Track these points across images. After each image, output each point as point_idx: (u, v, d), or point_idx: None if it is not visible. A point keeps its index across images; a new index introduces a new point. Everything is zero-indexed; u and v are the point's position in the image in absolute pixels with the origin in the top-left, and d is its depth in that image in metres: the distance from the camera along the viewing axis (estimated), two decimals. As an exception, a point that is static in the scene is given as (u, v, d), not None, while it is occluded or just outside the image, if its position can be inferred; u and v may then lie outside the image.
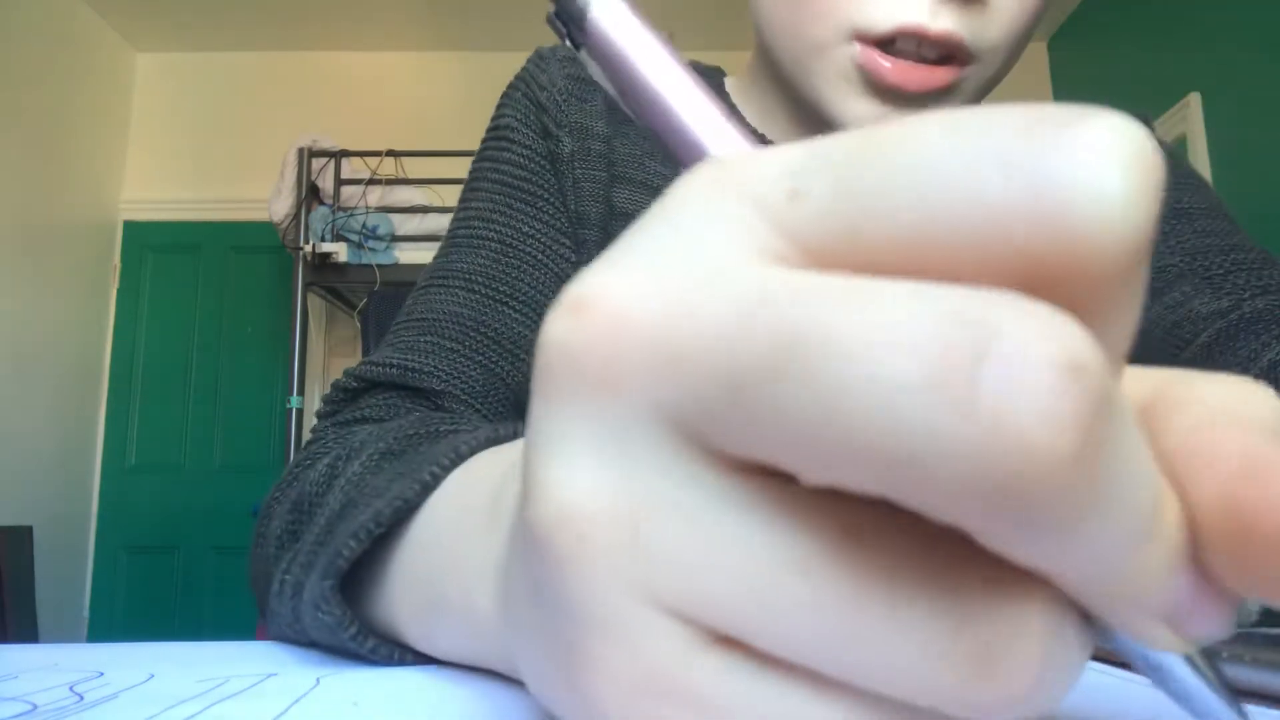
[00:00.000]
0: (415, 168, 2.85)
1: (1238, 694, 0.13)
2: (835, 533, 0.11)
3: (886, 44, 0.42)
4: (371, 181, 2.74)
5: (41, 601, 2.31)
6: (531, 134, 0.51)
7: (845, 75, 0.43)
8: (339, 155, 2.76)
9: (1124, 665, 0.24)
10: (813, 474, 0.10)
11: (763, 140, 0.48)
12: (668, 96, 0.15)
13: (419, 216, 2.74)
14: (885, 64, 0.42)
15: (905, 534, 0.11)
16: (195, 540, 3.31)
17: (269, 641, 0.31)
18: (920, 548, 0.11)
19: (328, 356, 3.41)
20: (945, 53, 0.42)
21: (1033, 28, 0.44)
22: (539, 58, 0.53)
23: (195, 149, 3.54)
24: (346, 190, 2.73)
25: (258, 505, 0.40)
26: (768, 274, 0.11)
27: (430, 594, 0.23)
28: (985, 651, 0.10)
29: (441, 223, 2.72)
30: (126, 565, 3.30)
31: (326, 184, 2.74)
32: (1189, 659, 0.12)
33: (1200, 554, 0.11)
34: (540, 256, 0.49)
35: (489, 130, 0.53)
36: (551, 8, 0.15)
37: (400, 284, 2.63)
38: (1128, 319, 0.11)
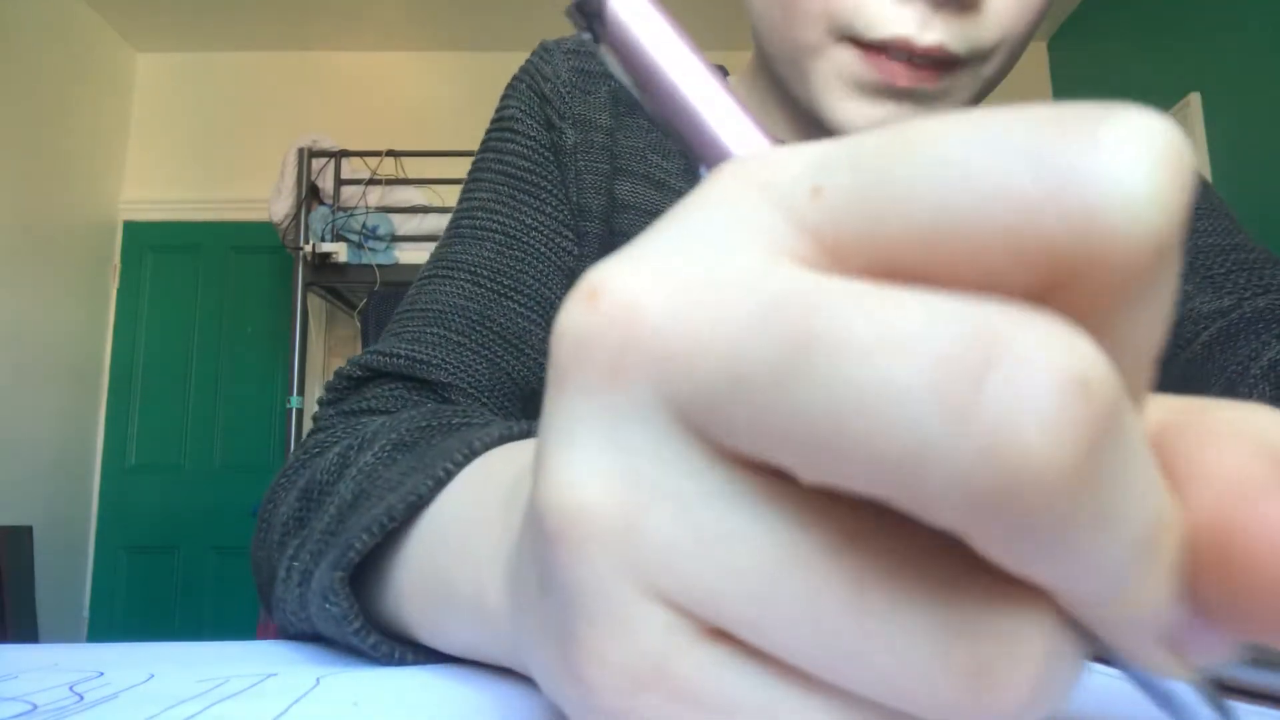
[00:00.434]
0: (415, 168, 2.85)
1: (1239, 694, 0.13)
2: (836, 533, 0.11)
3: (878, 49, 0.42)
4: (371, 181, 2.74)
5: (41, 601, 2.31)
6: (535, 125, 0.51)
7: (838, 76, 0.43)
8: (339, 155, 2.76)
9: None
10: (814, 474, 0.10)
11: (780, 143, 0.48)
12: (688, 92, 0.14)
13: (419, 216, 2.74)
14: (875, 63, 0.41)
15: (906, 540, 0.10)
16: (195, 540, 3.31)
17: (269, 641, 0.31)
18: (921, 555, 0.10)
19: (328, 356, 3.41)
20: (936, 62, 0.42)
21: (1033, 30, 0.44)
22: (544, 50, 0.54)
23: (195, 149, 3.54)
24: (346, 190, 2.73)
25: (258, 505, 0.40)
26: (784, 274, 0.11)
27: (440, 589, 0.23)
28: (981, 664, 0.10)
29: (442, 223, 2.72)
30: (126, 565, 3.30)
31: (326, 184, 2.74)
32: (1196, 688, 0.12)
33: (1194, 579, 0.11)
34: (543, 249, 0.49)
35: (493, 121, 0.53)
36: (571, 0, 0.15)
37: (400, 284, 2.63)
38: (1154, 321, 0.10)
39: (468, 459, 0.26)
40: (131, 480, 3.35)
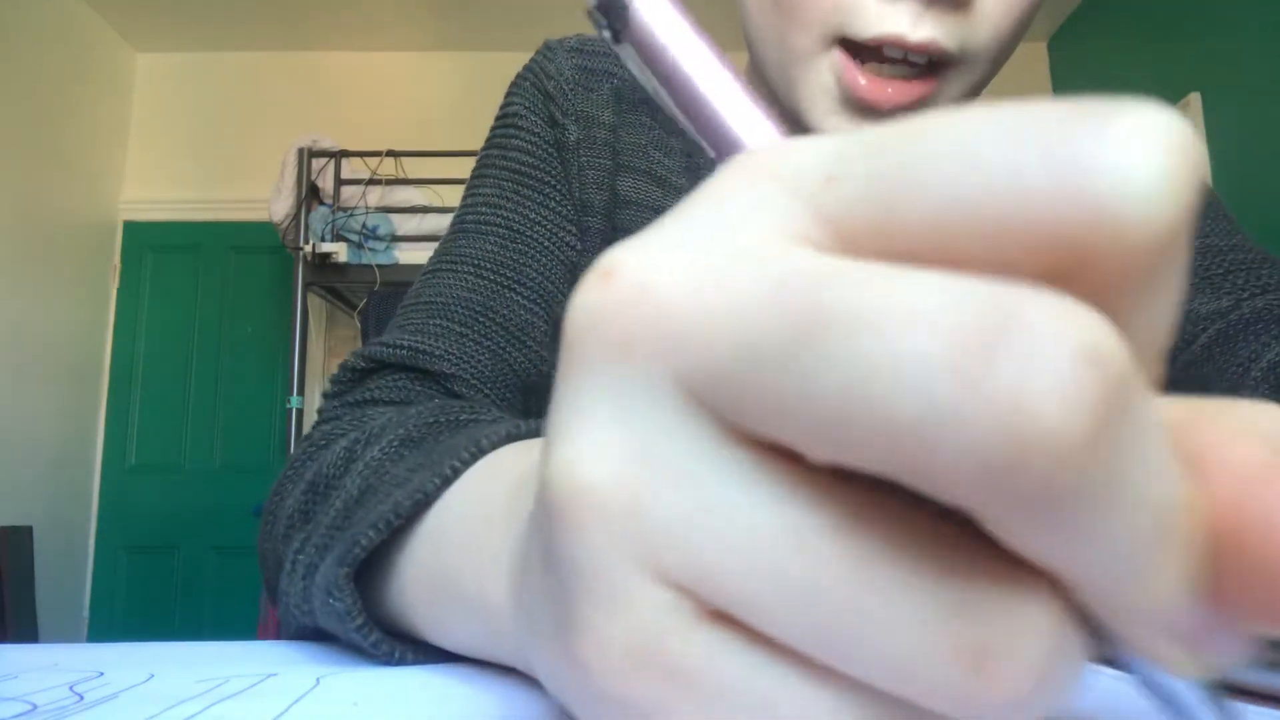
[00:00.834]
0: (415, 168, 2.85)
1: (1241, 695, 0.13)
2: (841, 513, 0.11)
3: (871, 52, 0.42)
4: (371, 181, 2.74)
5: (41, 601, 2.31)
6: (539, 122, 0.52)
7: (824, 88, 0.43)
8: (339, 155, 2.76)
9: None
10: (824, 452, 0.10)
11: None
12: (708, 89, 0.15)
13: (419, 216, 2.74)
14: (861, 80, 0.41)
15: (912, 522, 0.10)
16: (195, 540, 3.31)
17: (269, 641, 0.31)
18: (927, 537, 0.10)
19: (328, 356, 3.41)
20: (929, 59, 0.42)
21: (1022, 30, 0.44)
22: (547, 49, 0.54)
23: (195, 149, 3.54)
24: (346, 190, 2.73)
25: (258, 505, 0.40)
26: (796, 254, 0.11)
27: (445, 586, 0.23)
28: (986, 648, 0.10)
29: (441, 223, 2.72)
30: (126, 565, 3.30)
31: (326, 184, 2.74)
32: (1201, 689, 0.12)
33: (1210, 569, 0.11)
34: (546, 243, 0.49)
35: (497, 118, 0.54)
36: (592, 0, 0.15)
37: (400, 284, 2.63)
38: (1163, 311, 0.11)
39: (475, 457, 0.26)
40: (131, 480, 3.35)
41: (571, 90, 0.52)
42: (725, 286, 0.11)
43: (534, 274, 0.49)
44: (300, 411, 2.66)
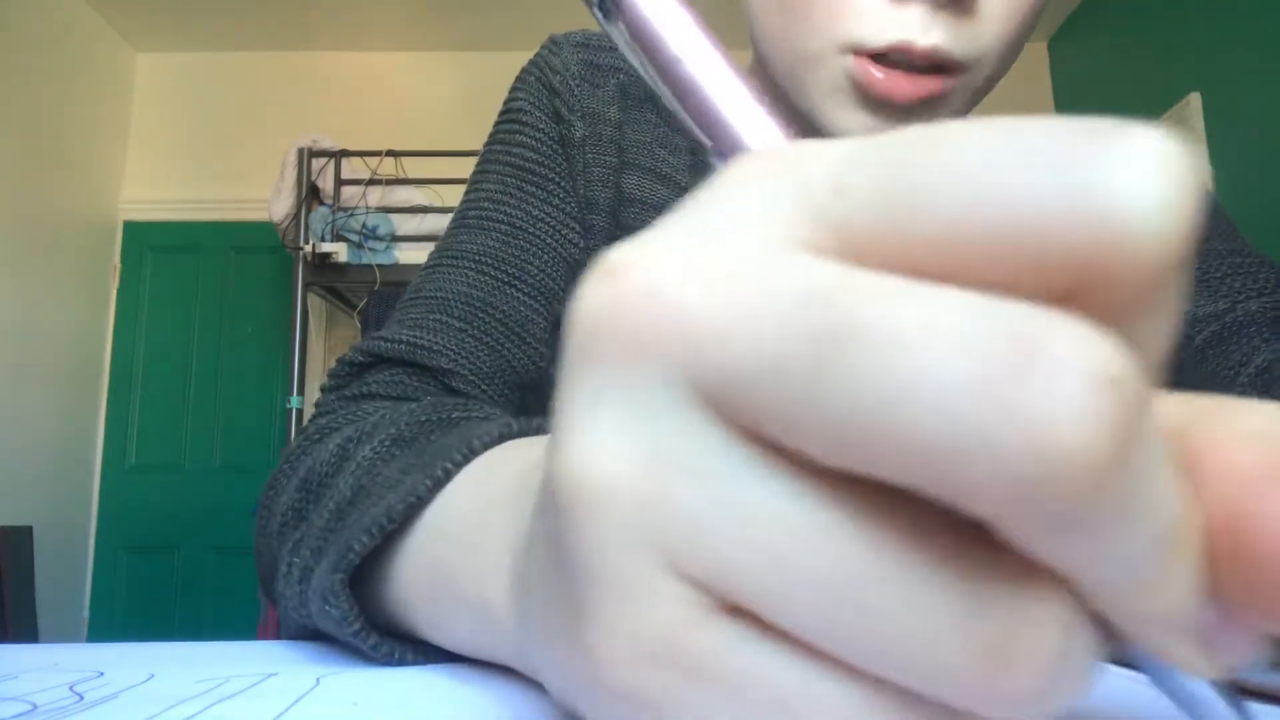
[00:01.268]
0: (415, 168, 2.85)
1: (1241, 693, 0.13)
2: (857, 509, 0.11)
3: (879, 56, 0.42)
4: (371, 181, 2.74)
5: (41, 601, 2.31)
6: (544, 117, 0.52)
7: (838, 87, 0.43)
8: (339, 155, 2.76)
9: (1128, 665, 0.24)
10: (840, 462, 0.10)
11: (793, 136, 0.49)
12: (703, 80, 0.14)
13: (419, 216, 2.74)
14: (878, 75, 0.42)
15: (927, 517, 0.11)
16: (195, 540, 3.31)
17: (269, 641, 0.31)
18: (942, 532, 0.10)
19: (328, 356, 3.41)
20: (935, 64, 0.42)
21: (1026, 34, 0.44)
22: (553, 43, 0.54)
23: (195, 149, 3.54)
24: (346, 190, 2.73)
25: (258, 505, 0.40)
26: (814, 265, 0.11)
27: (444, 588, 0.23)
28: (1001, 642, 0.10)
29: (442, 223, 2.72)
30: (126, 565, 3.30)
31: (326, 184, 2.74)
32: (1216, 688, 0.12)
33: (1212, 571, 0.11)
34: (548, 240, 0.49)
35: (501, 113, 0.53)
36: None
37: (400, 284, 2.63)
38: (1164, 322, 0.11)
39: (467, 458, 0.26)
40: (131, 480, 3.35)
41: (577, 86, 0.52)
42: (744, 294, 0.11)
43: (535, 271, 0.48)
44: (300, 411, 2.66)
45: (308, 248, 2.65)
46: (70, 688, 0.21)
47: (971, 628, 0.10)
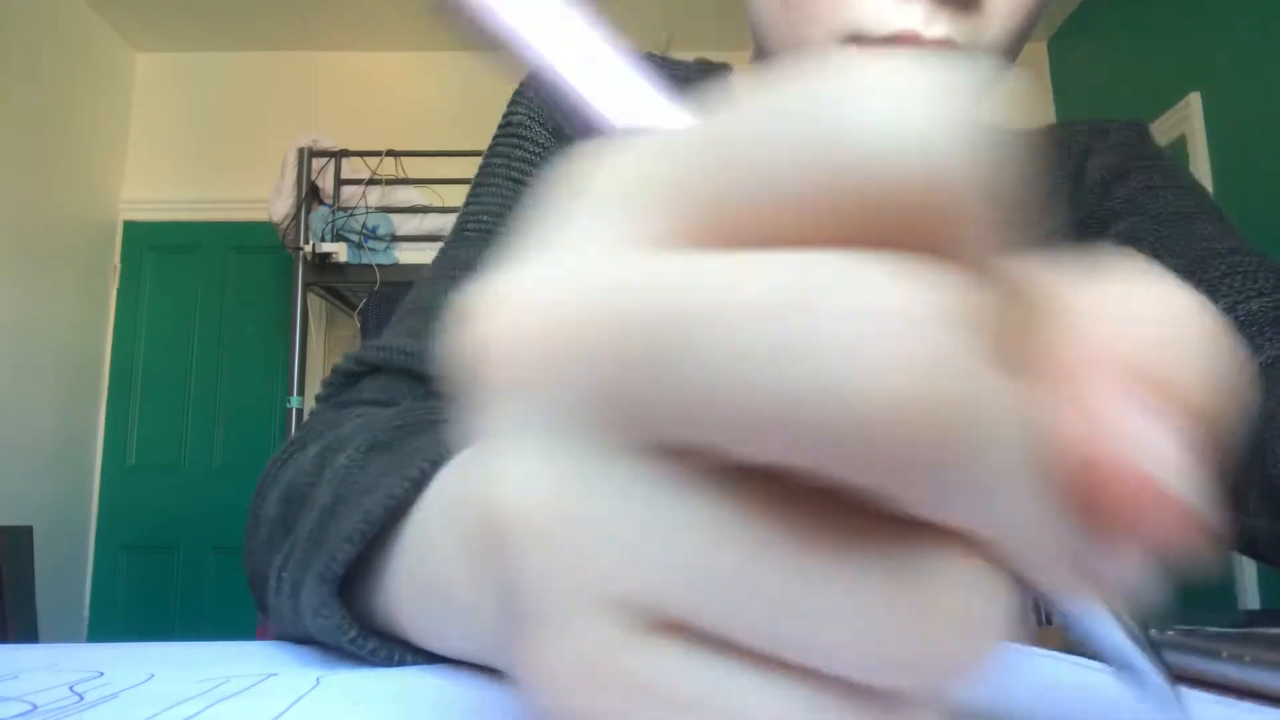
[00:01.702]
0: (415, 168, 2.85)
1: (1241, 694, 0.13)
2: (767, 506, 0.11)
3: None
4: (371, 181, 2.74)
5: (41, 601, 2.30)
6: (543, 131, 0.52)
7: None
8: (339, 155, 2.76)
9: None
10: (728, 443, 0.10)
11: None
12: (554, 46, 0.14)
13: (419, 216, 2.74)
14: None
15: (832, 505, 0.11)
16: (195, 540, 3.31)
17: (269, 641, 0.31)
18: (847, 516, 0.11)
19: (328, 356, 3.41)
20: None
21: (1030, 27, 0.44)
22: None
23: (195, 149, 3.54)
24: (346, 190, 2.73)
25: (248, 513, 0.41)
26: (643, 258, 0.11)
27: (433, 594, 0.23)
28: (919, 610, 0.10)
29: (441, 223, 2.72)
30: (126, 565, 3.30)
31: (326, 184, 2.74)
32: (1127, 631, 0.13)
33: (1077, 505, 0.11)
34: None
35: (500, 125, 0.54)
36: None
37: (400, 284, 2.63)
38: (996, 244, 0.11)
39: (443, 459, 0.25)
40: (131, 480, 3.35)
41: None
42: (585, 302, 0.11)
43: None
44: (300, 411, 2.66)
45: (308, 248, 2.65)
46: (70, 688, 0.21)
47: (890, 602, 0.10)
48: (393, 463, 0.27)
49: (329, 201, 2.72)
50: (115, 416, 3.38)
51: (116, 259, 3.47)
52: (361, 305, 2.79)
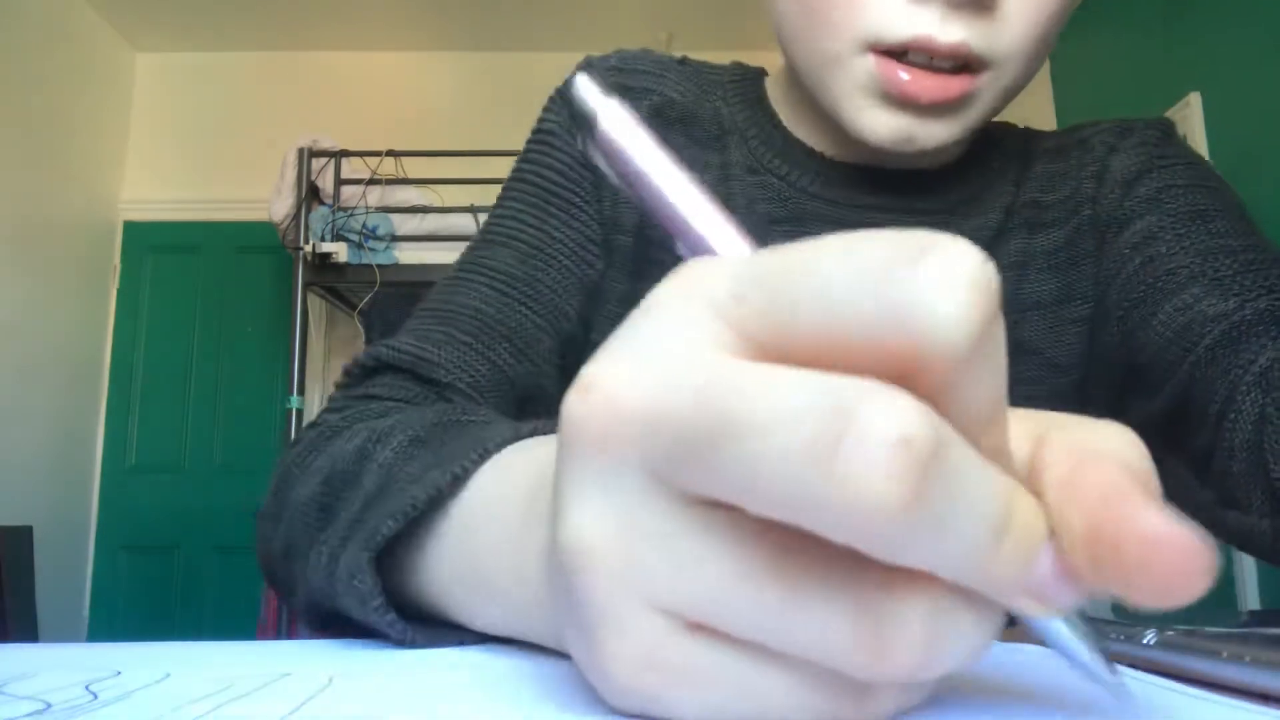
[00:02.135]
0: (415, 168, 2.85)
1: (1239, 694, 0.13)
2: (770, 547, 0.15)
3: (899, 55, 0.43)
4: (371, 181, 2.74)
5: (41, 601, 2.31)
6: (572, 140, 0.52)
7: (861, 87, 0.44)
8: (339, 155, 2.77)
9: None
10: (749, 509, 0.14)
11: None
12: (666, 191, 0.19)
13: (419, 216, 2.74)
14: (902, 75, 0.43)
15: (821, 546, 0.14)
16: (195, 540, 3.31)
17: (286, 641, 0.31)
18: (833, 557, 0.15)
19: (328, 356, 3.41)
20: (957, 63, 0.43)
21: (1051, 33, 0.45)
22: (586, 65, 0.55)
23: (195, 149, 3.54)
24: (346, 190, 2.73)
25: (259, 506, 0.42)
26: (712, 365, 0.15)
27: (477, 577, 0.27)
28: (877, 633, 0.15)
29: (441, 223, 2.72)
30: (126, 565, 3.31)
31: (326, 184, 2.75)
32: (1071, 626, 0.17)
33: (1091, 564, 0.15)
34: (566, 262, 0.51)
35: (532, 133, 0.54)
36: (566, 112, 0.19)
37: (400, 284, 2.63)
38: (984, 393, 0.15)
39: (483, 458, 0.28)
40: (131, 480, 3.35)
41: None
42: (663, 394, 0.15)
43: (548, 291, 0.50)
44: (300, 411, 2.66)
45: (308, 248, 2.65)
46: (85, 686, 0.21)
47: (856, 625, 0.15)
48: (435, 458, 0.30)
49: (329, 201, 2.72)
50: (115, 416, 3.39)
51: (116, 259, 3.47)
52: (362, 306, 2.79)
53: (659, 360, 0.16)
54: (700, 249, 0.19)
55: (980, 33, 0.42)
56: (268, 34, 3.54)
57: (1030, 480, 0.16)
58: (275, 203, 2.77)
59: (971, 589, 0.15)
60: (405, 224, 2.73)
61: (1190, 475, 0.46)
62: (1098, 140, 0.54)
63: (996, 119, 0.51)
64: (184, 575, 3.31)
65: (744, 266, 0.16)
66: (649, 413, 0.15)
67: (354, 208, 2.69)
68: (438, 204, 2.79)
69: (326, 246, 2.64)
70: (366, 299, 2.68)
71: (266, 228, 2.96)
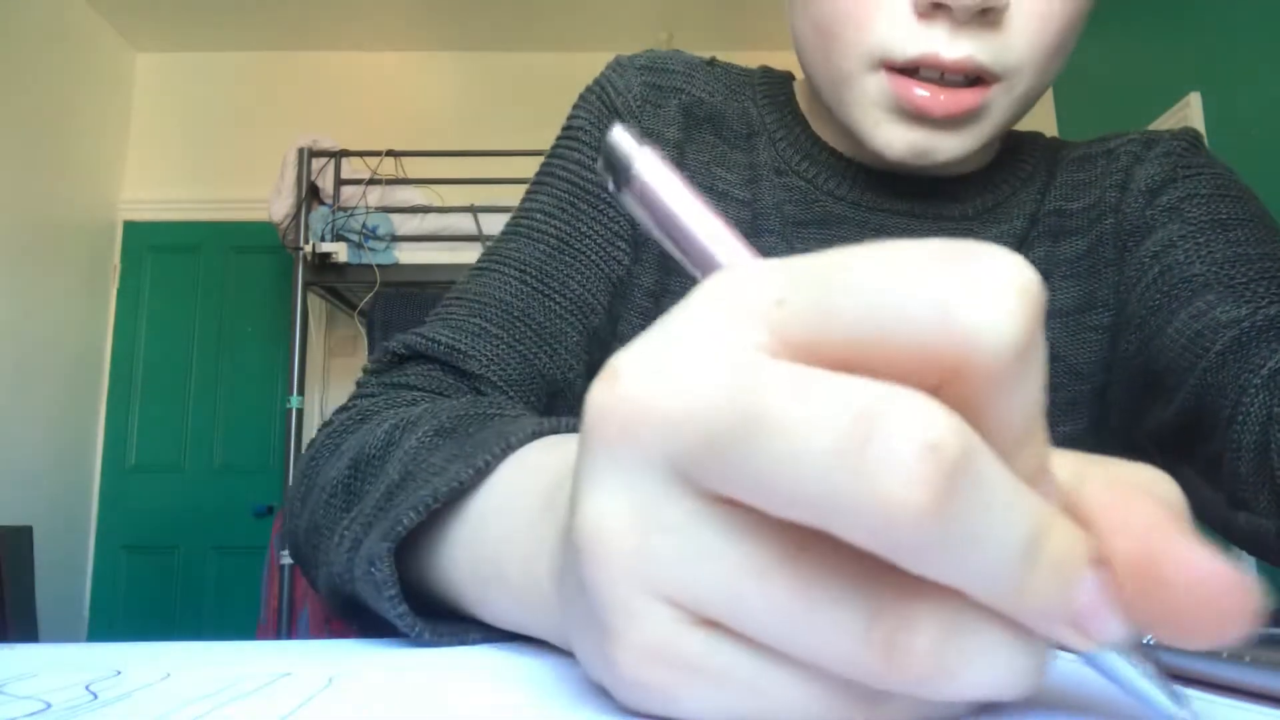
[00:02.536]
0: (415, 168, 2.85)
1: (1238, 694, 0.13)
2: (785, 547, 0.15)
3: (911, 72, 0.44)
4: (371, 181, 2.74)
5: (41, 601, 2.31)
6: (602, 137, 0.53)
7: (875, 103, 0.45)
8: (339, 155, 2.77)
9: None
10: (767, 509, 0.14)
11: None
12: (697, 233, 0.19)
13: (419, 216, 2.74)
14: (918, 91, 0.44)
15: (838, 550, 0.14)
16: (195, 540, 3.31)
17: (289, 641, 0.31)
18: (849, 561, 0.14)
19: (328, 356, 3.41)
20: (967, 77, 0.43)
21: (1064, 43, 0.45)
22: (617, 64, 0.56)
23: (195, 149, 3.54)
24: (346, 190, 2.73)
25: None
26: (745, 365, 0.15)
27: (490, 567, 0.27)
28: (888, 641, 0.14)
29: (442, 223, 2.73)
30: (126, 565, 3.31)
31: (326, 184, 2.75)
32: (1128, 658, 0.16)
33: (1134, 599, 0.15)
34: (594, 257, 0.51)
35: (562, 129, 0.55)
36: (600, 160, 0.19)
37: (400, 284, 2.63)
38: (1022, 405, 0.15)
39: (505, 453, 0.29)
40: (131, 480, 3.35)
41: (639, 107, 0.53)
42: (693, 392, 0.15)
43: (576, 285, 0.50)
44: (300, 411, 2.66)
45: (308, 248, 2.65)
46: (86, 686, 0.21)
47: (868, 631, 0.14)
48: (459, 450, 0.31)
49: (329, 201, 2.72)
50: (115, 416, 3.39)
51: (116, 259, 3.47)
52: (362, 306, 2.79)
53: (692, 357, 0.15)
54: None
55: (988, 47, 0.43)
56: (268, 34, 3.54)
57: (1074, 511, 0.16)
58: (275, 203, 2.77)
59: (1000, 611, 0.14)
60: (405, 224, 2.73)
61: (1203, 482, 0.46)
62: (1123, 150, 0.54)
63: (1023, 129, 0.51)
64: (184, 575, 3.31)
65: (785, 270, 0.16)
66: (677, 407, 0.15)
67: (354, 208, 2.69)
68: (438, 204, 2.79)
69: (326, 246, 2.64)
70: (367, 299, 2.67)
71: (266, 228, 2.96)
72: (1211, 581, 0.14)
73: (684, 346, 0.16)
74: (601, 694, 0.19)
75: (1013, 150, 0.55)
